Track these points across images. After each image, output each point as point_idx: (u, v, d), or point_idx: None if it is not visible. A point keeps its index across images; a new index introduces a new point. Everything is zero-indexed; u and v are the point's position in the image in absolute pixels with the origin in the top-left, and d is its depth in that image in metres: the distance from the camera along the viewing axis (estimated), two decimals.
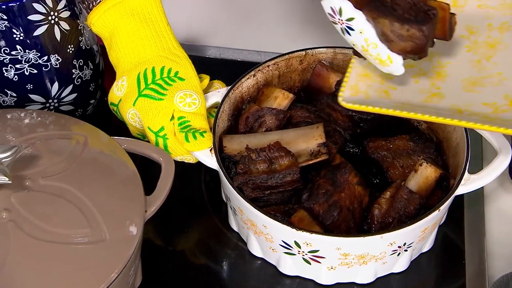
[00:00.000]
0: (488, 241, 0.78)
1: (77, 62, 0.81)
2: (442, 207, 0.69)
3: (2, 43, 0.75)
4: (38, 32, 0.75)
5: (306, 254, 0.70)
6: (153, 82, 0.76)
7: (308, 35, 1.02)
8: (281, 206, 0.75)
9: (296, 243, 0.69)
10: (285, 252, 0.72)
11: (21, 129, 0.71)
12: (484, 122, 0.65)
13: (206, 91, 0.81)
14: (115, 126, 0.84)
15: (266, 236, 0.71)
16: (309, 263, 0.71)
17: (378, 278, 0.74)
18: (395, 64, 0.68)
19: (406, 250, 0.72)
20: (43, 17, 0.75)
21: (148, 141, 0.77)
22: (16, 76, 0.77)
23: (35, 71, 0.78)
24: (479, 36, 0.74)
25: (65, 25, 0.78)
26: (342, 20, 0.68)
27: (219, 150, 0.76)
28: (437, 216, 0.70)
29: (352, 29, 0.68)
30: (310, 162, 0.75)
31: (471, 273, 0.75)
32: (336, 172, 0.74)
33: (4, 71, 0.77)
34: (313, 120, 0.81)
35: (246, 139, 0.77)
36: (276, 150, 0.74)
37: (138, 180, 0.69)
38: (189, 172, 0.82)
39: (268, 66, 0.84)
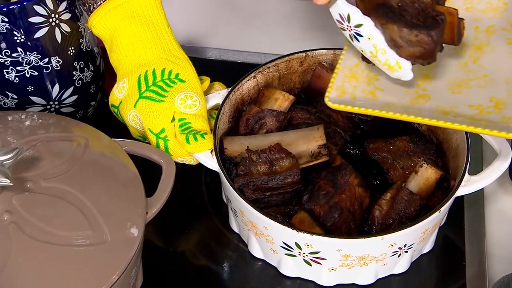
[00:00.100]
0: (488, 242, 0.78)
1: (77, 64, 0.82)
2: (442, 208, 0.69)
3: (3, 45, 0.75)
4: (39, 34, 0.76)
5: (306, 255, 0.70)
6: (154, 84, 0.76)
7: (308, 37, 1.02)
8: (282, 208, 0.75)
9: (296, 244, 0.69)
10: (286, 254, 0.72)
11: (22, 131, 0.71)
12: (469, 123, 0.65)
13: (206, 93, 0.81)
14: (116, 127, 0.84)
15: (267, 238, 0.71)
16: (310, 265, 0.71)
17: (378, 279, 0.74)
18: (404, 69, 0.69)
19: (406, 251, 0.72)
20: (44, 19, 0.75)
21: (149, 143, 0.77)
22: (17, 78, 0.77)
23: (36, 73, 0.78)
24: (466, 39, 0.74)
25: (66, 27, 0.78)
26: (350, 26, 0.68)
27: (219, 151, 0.76)
28: (438, 217, 0.70)
29: (361, 36, 0.68)
30: (311, 164, 0.76)
31: (472, 274, 0.75)
32: (337, 173, 0.74)
33: (5, 73, 0.77)
34: (313, 121, 0.82)
35: (246, 140, 0.78)
36: (277, 151, 0.74)
37: (139, 182, 0.69)
38: (190, 174, 0.82)
39: (269, 67, 0.84)
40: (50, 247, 0.61)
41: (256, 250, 0.76)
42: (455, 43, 0.69)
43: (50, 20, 0.76)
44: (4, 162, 0.62)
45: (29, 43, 0.75)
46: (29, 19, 0.74)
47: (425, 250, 0.77)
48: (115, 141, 0.73)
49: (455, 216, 0.79)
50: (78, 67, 0.82)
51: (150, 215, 0.67)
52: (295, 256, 0.71)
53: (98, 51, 0.87)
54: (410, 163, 0.78)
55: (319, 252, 0.69)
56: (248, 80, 0.83)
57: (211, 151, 0.75)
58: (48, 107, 0.81)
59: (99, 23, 0.76)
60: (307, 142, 0.77)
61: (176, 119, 0.75)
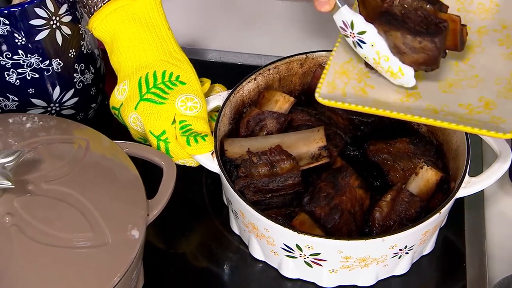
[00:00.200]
0: (488, 244, 0.78)
1: (78, 66, 0.82)
2: (443, 210, 0.69)
3: (4, 47, 0.75)
4: (40, 36, 0.76)
5: (307, 257, 0.70)
6: (154, 86, 0.76)
7: (308, 39, 1.02)
8: (283, 209, 0.75)
9: (297, 246, 0.69)
10: (286, 255, 0.72)
11: (23, 134, 0.71)
12: (459, 122, 0.66)
13: (207, 94, 0.81)
14: (116, 129, 0.84)
15: (268, 239, 0.72)
16: (311, 266, 0.72)
17: (379, 281, 0.74)
18: (407, 76, 0.70)
19: (407, 253, 0.72)
20: (45, 21, 0.75)
21: (150, 145, 0.77)
22: (18, 81, 0.78)
23: (37, 76, 0.78)
24: None
25: (66, 30, 0.78)
26: (354, 33, 0.69)
27: (220, 153, 0.76)
28: (438, 219, 0.70)
29: (364, 42, 0.69)
30: (311, 165, 0.76)
31: (472, 276, 0.75)
32: (337, 175, 0.75)
33: (6, 75, 0.77)
34: (314, 123, 0.82)
35: (247, 142, 0.78)
36: (277, 153, 0.74)
37: (140, 184, 0.69)
38: (190, 175, 0.82)
39: (269, 69, 0.84)
40: (51, 249, 0.61)
41: (257, 251, 0.76)
42: (458, 49, 0.70)
43: (51, 22, 0.76)
44: (6, 165, 0.62)
45: (30, 45, 0.76)
46: (30, 22, 0.74)
47: (426, 252, 0.77)
48: (116, 143, 0.73)
49: (456, 218, 0.79)
50: (78, 69, 0.82)
51: (151, 217, 0.68)
52: (296, 257, 0.71)
53: (99, 53, 0.87)
54: (411, 164, 0.78)
55: (319, 253, 0.69)
56: (248, 82, 0.83)
57: (212, 153, 0.75)
58: (49, 109, 0.81)
59: (100, 25, 0.77)
60: (308, 144, 0.77)
61: (177, 121, 0.75)
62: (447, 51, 0.71)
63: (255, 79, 0.83)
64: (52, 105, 0.81)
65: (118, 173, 0.70)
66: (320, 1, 0.68)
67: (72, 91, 0.82)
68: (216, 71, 0.97)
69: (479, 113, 0.68)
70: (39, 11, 0.75)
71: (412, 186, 0.74)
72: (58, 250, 0.61)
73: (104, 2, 0.76)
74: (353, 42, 0.71)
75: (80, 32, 0.81)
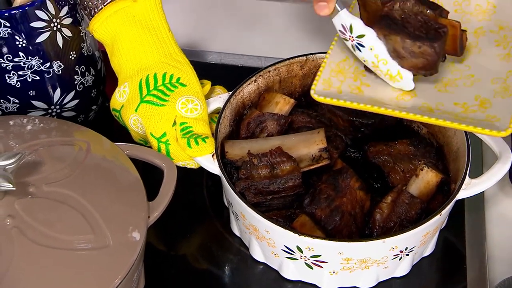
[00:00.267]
0: (489, 245, 0.78)
1: (79, 68, 0.82)
2: (443, 212, 0.69)
3: (5, 50, 0.75)
4: (41, 38, 0.76)
5: (308, 258, 0.70)
6: (155, 88, 0.76)
7: (308, 40, 1.03)
8: (283, 211, 0.75)
9: (298, 248, 0.69)
10: (287, 257, 0.72)
11: (24, 136, 0.71)
12: (453, 120, 0.66)
13: (207, 96, 0.81)
14: (117, 131, 0.84)
15: (268, 241, 0.72)
16: (311, 268, 0.72)
17: (380, 283, 0.75)
18: (405, 79, 0.70)
19: (407, 255, 0.72)
20: (46, 24, 0.76)
21: (150, 147, 0.77)
22: (18, 83, 0.78)
23: (38, 78, 0.78)
24: None
25: (67, 32, 0.78)
26: (352, 37, 0.69)
27: (221, 155, 0.76)
28: (439, 220, 0.70)
29: (363, 46, 0.69)
30: (312, 167, 0.76)
31: (472, 277, 0.75)
32: (338, 177, 0.75)
33: (6, 77, 0.77)
34: (314, 125, 0.82)
35: (247, 144, 0.78)
36: (278, 155, 0.74)
37: (140, 186, 0.69)
38: (191, 177, 0.82)
39: (269, 71, 0.84)
40: (52, 252, 0.61)
41: (258, 253, 0.76)
42: (457, 54, 0.71)
43: (52, 24, 0.76)
44: (7, 167, 0.62)
45: (30, 47, 0.76)
46: (30, 24, 0.74)
47: (426, 253, 0.77)
48: (117, 145, 0.73)
49: (456, 219, 0.79)
50: (79, 72, 0.82)
51: (152, 219, 0.68)
52: (297, 259, 0.71)
53: (99, 55, 0.87)
54: (411, 166, 0.78)
55: (320, 255, 0.69)
56: (249, 84, 0.83)
57: (213, 155, 0.75)
58: (50, 111, 0.81)
59: (100, 28, 0.77)
60: (308, 146, 0.77)
61: (178, 123, 0.75)
62: (446, 55, 0.71)
63: (255, 81, 0.83)
64: (52, 107, 0.81)
65: (119, 175, 0.70)
66: (320, 5, 0.69)
67: (72, 93, 0.82)
68: (216, 73, 0.97)
69: (474, 112, 0.69)
70: (40, 13, 0.75)
71: (412, 187, 0.74)
72: (59, 252, 0.62)
73: (104, 4, 0.77)
74: (352, 45, 0.71)
75: (81, 34, 0.81)
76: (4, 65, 0.76)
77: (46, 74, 0.78)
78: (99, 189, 0.67)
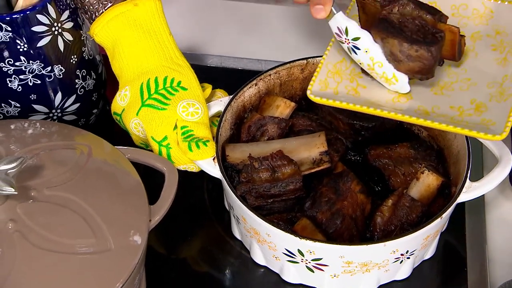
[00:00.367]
0: (489, 248, 0.78)
1: (80, 72, 0.82)
2: (444, 215, 0.70)
3: (6, 54, 0.75)
4: (42, 43, 0.76)
5: (309, 262, 0.70)
6: (156, 92, 0.76)
7: (308, 43, 1.03)
8: (284, 215, 0.75)
9: (299, 251, 0.69)
10: (288, 260, 0.72)
11: (25, 140, 0.72)
12: (449, 123, 0.67)
13: (208, 100, 0.81)
14: (118, 135, 0.84)
15: (269, 245, 0.72)
16: (312, 271, 0.72)
17: (380, 286, 0.75)
18: (401, 82, 0.71)
19: (408, 258, 0.72)
20: (47, 28, 0.76)
21: (152, 150, 0.77)
22: (20, 87, 0.78)
23: (39, 82, 0.78)
24: None
25: (68, 36, 0.79)
26: (348, 39, 0.70)
27: (222, 159, 0.76)
28: (439, 223, 0.70)
29: (358, 48, 0.70)
30: (313, 171, 0.76)
31: (473, 280, 0.75)
32: (339, 180, 0.75)
33: (8, 81, 0.77)
34: (314, 128, 0.82)
35: (248, 148, 0.78)
36: (279, 158, 0.75)
37: (142, 189, 0.69)
38: (192, 181, 0.82)
39: (270, 75, 0.84)
40: (54, 256, 0.61)
41: (259, 256, 0.76)
42: (455, 60, 0.72)
43: (53, 29, 0.76)
44: (9, 171, 0.62)
45: (32, 51, 0.76)
46: (32, 28, 0.75)
47: (427, 256, 0.77)
48: (118, 148, 0.73)
49: (456, 222, 0.79)
50: (80, 75, 0.82)
51: (153, 223, 0.68)
52: (298, 262, 0.71)
53: (100, 59, 0.87)
54: (411, 169, 0.78)
55: (321, 258, 0.69)
56: (249, 88, 0.83)
57: (214, 159, 0.75)
58: (51, 115, 0.81)
59: (101, 31, 0.77)
60: (309, 149, 0.77)
61: (179, 127, 0.75)
62: (444, 60, 0.71)
63: (256, 85, 0.83)
64: (54, 111, 0.81)
65: (120, 179, 0.70)
66: (316, 8, 0.69)
67: (73, 97, 0.82)
68: (216, 76, 0.97)
69: (470, 115, 0.69)
70: (41, 17, 0.75)
71: (413, 191, 0.74)
72: (61, 256, 0.62)
73: (105, 8, 0.77)
74: (348, 48, 0.72)
75: (82, 38, 0.81)
76: (6, 69, 0.76)
77: (47, 78, 0.78)
78: (100, 193, 0.68)
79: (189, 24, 1.06)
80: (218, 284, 0.76)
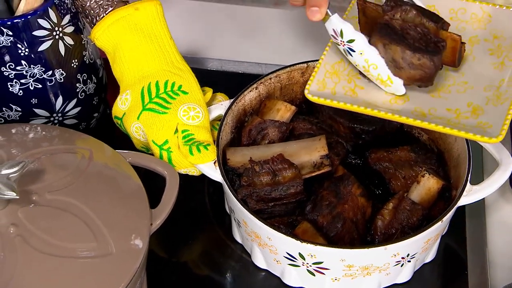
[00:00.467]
0: (490, 251, 0.78)
1: (81, 76, 0.82)
2: (444, 218, 0.70)
3: (7, 58, 0.75)
4: (43, 47, 0.76)
5: (310, 265, 0.70)
6: (157, 96, 0.76)
7: (309, 47, 1.03)
8: (285, 218, 0.75)
9: (300, 254, 0.69)
10: (289, 264, 0.72)
11: (26, 144, 0.72)
12: (445, 125, 0.67)
13: (209, 104, 0.81)
14: (118, 139, 0.84)
15: (271, 248, 0.72)
16: (313, 275, 0.72)
17: None
18: (395, 84, 0.71)
19: (409, 261, 0.72)
20: (48, 32, 0.76)
21: (152, 154, 0.77)
22: (21, 91, 0.78)
23: (40, 86, 0.78)
24: None
25: (69, 40, 0.79)
26: (343, 41, 0.70)
27: (222, 162, 0.76)
28: (440, 227, 0.71)
29: (353, 51, 0.70)
30: (313, 174, 0.76)
31: (474, 283, 0.75)
32: (339, 183, 0.75)
33: (9, 86, 0.77)
34: (315, 132, 0.82)
35: (249, 151, 0.78)
36: (280, 162, 0.75)
37: (143, 193, 0.69)
38: (193, 184, 0.82)
39: (270, 78, 0.84)
40: (55, 260, 0.62)
41: (260, 260, 0.76)
42: (455, 66, 0.72)
43: (54, 33, 0.77)
44: (10, 176, 0.62)
45: (33, 56, 0.76)
46: (33, 33, 0.75)
47: (428, 260, 0.77)
48: (119, 152, 0.73)
49: (457, 226, 0.80)
50: (81, 79, 0.82)
51: (154, 227, 0.68)
52: (299, 266, 0.71)
53: (101, 63, 0.87)
54: (412, 172, 0.78)
55: (322, 262, 0.69)
56: (250, 91, 0.83)
57: (214, 162, 0.75)
58: (52, 119, 0.82)
59: (102, 36, 0.77)
60: (309, 153, 0.77)
61: (179, 131, 0.75)
62: (443, 65, 0.72)
63: (256, 88, 0.84)
64: (54, 115, 0.81)
65: (121, 183, 0.70)
66: (312, 10, 0.70)
67: (74, 101, 0.82)
68: (217, 80, 0.97)
69: (466, 118, 0.69)
70: (42, 22, 0.75)
71: (414, 194, 0.74)
72: (62, 260, 0.62)
73: (106, 13, 0.77)
74: (343, 50, 0.72)
75: (83, 42, 0.81)
76: (7, 74, 0.76)
77: (48, 82, 0.79)
78: (101, 196, 0.68)
79: (189, 28, 1.06)
80: (218, 287, 0.76)
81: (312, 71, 0.85)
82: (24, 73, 0.77)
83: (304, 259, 0.70)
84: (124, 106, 0.78)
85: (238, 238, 0.79)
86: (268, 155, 0.76)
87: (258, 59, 1.01)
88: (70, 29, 0.79)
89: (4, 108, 0.79)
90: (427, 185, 0.74)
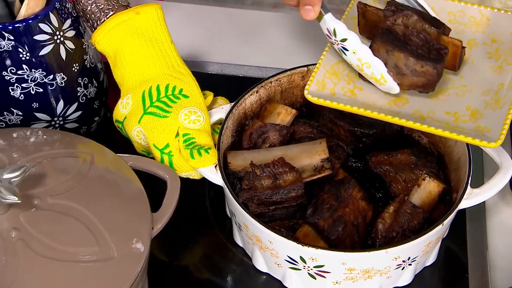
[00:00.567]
0: (490, 254, 0.79)
1: (81, 80, 0.82)
2: (445, 222, 0.70)
3: (9, 62, 0.75)
4: (44, 51, 0.76)
5: (311, 269, 0.70)
6: (158, 100, 0.76)
7: (309, 50, 1.03)
8: (286, 221, 0.75)
9: (301, 258, 0.69)
10: (290, 267, 0.72)
11: (27, 148, 0.72)
12: (444, 128, 0.68)
13: (210, 107, 0.81)
14: (119, 142, 0.84)
15: (272, 252, 0.72)
16: (315, 278, 0.72)
17: None
18: (389, 83, 0.71)
19: (410, 264, 0.72)
20: (49, 36, 0.76)
21: (153, 158, 0.77)
22: (22, 95, 0.78)
23: (41, 90, 0.78)
24: None
25: (70, 44, 0.79)
26: (337, 40, 0.71)
27: (223, 166, 0.77)
28: (441, 230, 0.71)
29: (347, 49, 0.70)
30: (314, 177, 0.76)
31: (475, 286, 0.75)
32: (340, 187, 0.75)
33: (10, 90, 0.77)
34: (316, 135, 0.82)
35: (250, 155, 0.78)
36: (280, 165, 0.75)
37: (144, 197, 0.69)
38: (193, 188, 0.82)
39: (271, 82, 0.84)
40: (57, 264, 0.62)
41: (261, 263, 0.76)
42: (455, 69, 0.73)
43: (55, 37, 0.77)
44: (12, 180, 0.63)
45: (34, 60, 0.76)
46: (34, 37, 0.75)
47: (428, 263, 0.77)
48: (120, 156, 0.73)
49: (458, 229, 0.80)
50: (82, 83, 0.82)
51: (155, 230, 0.68)
52: (300, 269, 0.71)
53: (102, 67, 0.87)
54: (412, 176, 0.78)
55: (323, 265, 0.69)
56: (250, 95, 0.83)
57: (215, 166, 0.75)
58: (53, 123, 0.82)
59: (103, 40, 0.77)
60: (310, 156, 0.77)
61: (180, 134, 0.76)
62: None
63: (257, 92, 0.84)
64: (55, 119, 0.81)
65: (123, 187, 0.70)
66: (305, 9, 0.70)
67: (75, 105, 0.82)
68: (217, 83, 0.97)
69: (465, 122, 0.70)
70: (43, 26, 0.75)
71: (414, 197, 0.74)
72: (64, 264, 0.62)
73: (107, 17, 0.77)
74: (338, 49, 0.72)
75: (83, 47, 0.81)
76: (8, 78, 0.76)
77: (49, 86, 0.79)
78: (103, 200, 0.68)
79: (190, 32, 1.06)
80: None
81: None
82: (25, 77, 0.77)
83: (305, 262, 0.70)
84: (125, 110, 0.78)
85: (239, 242, 0.79)
86: (269, 158, 0.76)
87: (259, 63, 1.02)
88: (71, 33, 0.79)
89: (5, 112, 0.79)
90: (428, 188, 0.74)
